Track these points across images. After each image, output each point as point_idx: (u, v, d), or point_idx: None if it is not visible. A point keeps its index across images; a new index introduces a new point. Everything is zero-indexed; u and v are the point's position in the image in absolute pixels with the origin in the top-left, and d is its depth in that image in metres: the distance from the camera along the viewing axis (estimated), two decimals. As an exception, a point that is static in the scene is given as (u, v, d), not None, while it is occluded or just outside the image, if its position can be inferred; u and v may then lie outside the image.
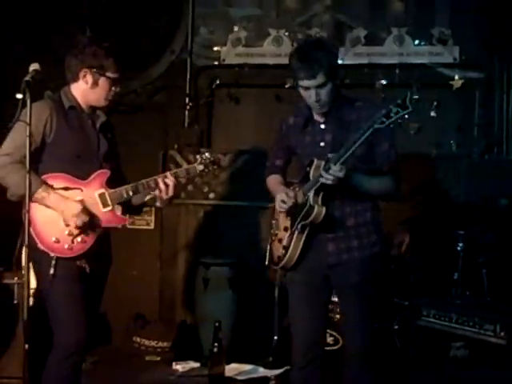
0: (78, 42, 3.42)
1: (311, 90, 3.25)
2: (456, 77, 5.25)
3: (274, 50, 5.52)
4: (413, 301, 4.31)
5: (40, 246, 3.25)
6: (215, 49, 5.67)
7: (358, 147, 3.11)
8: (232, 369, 3.75)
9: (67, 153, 3.34)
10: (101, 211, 3.36)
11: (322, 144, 3.38)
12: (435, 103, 5.23)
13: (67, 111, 3.39)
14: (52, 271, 3.22)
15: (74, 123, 3.38)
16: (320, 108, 3.32)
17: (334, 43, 5.35)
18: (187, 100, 5.62)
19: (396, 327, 4.35)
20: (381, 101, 5.09)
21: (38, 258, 3.25)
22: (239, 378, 4.11)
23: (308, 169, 3.33)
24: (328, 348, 4.31)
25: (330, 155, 3.19)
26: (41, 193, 3.23)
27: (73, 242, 3.29)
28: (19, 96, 3.06)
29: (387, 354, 4.29)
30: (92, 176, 3.36)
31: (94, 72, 3.35)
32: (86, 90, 3.39)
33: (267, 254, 3.54)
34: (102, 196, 3.37)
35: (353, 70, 5.38)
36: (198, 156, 3.53)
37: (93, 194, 3.35)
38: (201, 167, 3.51)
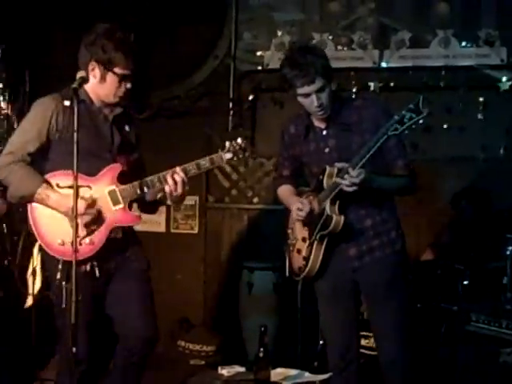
0: (93, 31, 3.18)
1: (312, 96, 3.20)
2: (503, 78, 5.16)
3: (318, 54, 5.50)
4: (462, 306, 4.24)
5: (45, 248, 3.12)
6: (259, 53, 5.67)
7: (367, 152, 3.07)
8: (278, 374, 3.72)
9: (70, 149, 2.90)
10: (111, 209, 3.15)
11: (326, 150, 3.34)
12: (482, 106, 5.16)
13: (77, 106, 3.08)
14: (59, 275, 3.03)
15: (83, 118, 3.04)
16: (323, 113, 3.27)
17: (378, 46, 5.34)
18: (231, 105, 5.64)
19: (443, 333, 4.29)
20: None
21: (47, 261, 3.17)
22: (285, 382, 4.08)
23: (321, 177, 3.30)
24: (371, 353, 4.28)
25: (339, 164, 3.15)
26: (40, 193, 3.08)
27: (80, 244, 3.01)
28: (67, 103, 3.09)
29: (434, 360, 4.24)
30: (102, 172, 3.16)
31: (101, 66, 3.14)
32: (94, 84, 3.20)
33: (286, 265, 3.51)
34: (112, 193, 3.16)
35: (397, 73, 5.34)
36: (227, 143, 3.28)
37: (103, 191, 3.15)
38: (229, 155, 3.24)
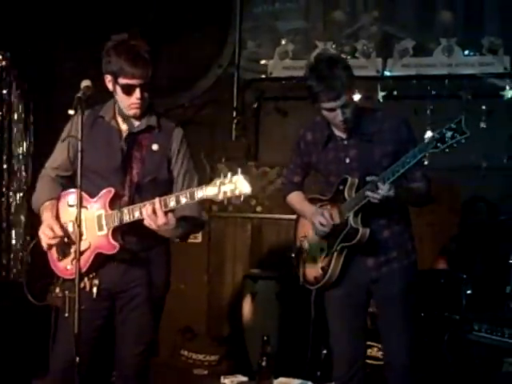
0: (107, 43, 3.12)
1: (337, 111, 3.17)
2: (507, 87, 5.16)
3: (321, 63, 5.50)
4: (464, 315, 4.23)
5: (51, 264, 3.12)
6: (262, 62, 5.70)
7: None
8: (280, 383, 3.72)
9: (85, 168, 2.89)
10: (96, 234, 3.02)
11: (347, 160, 3.32)
12: (485, 114, 5.15)
13: (96, 122, 3.14)
14: (58, 290, 3.04)
15: (99, 135, 3.09)
16: (346, 126, 3.25)
17: (382, 54, 5.34)
18: (234, 113, 5.64)
19: (446, 342, 4.28)
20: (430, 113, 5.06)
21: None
22: (288, 392, 4.08)
23: (341, 187, 3.29)
24: (377, 362, 4.27)
25: (369, 178, 3.13)
26: (40, 210, 3.12)
27: (71, 263, 3.01)
28: (71, 112, 3.08)
29: (437, 370, 4.22)
30: (99, 194, 3.05)
31: (112, 78, 3.05)
32: (116, 97, 3.12)
33: (300, 273, 3.48)
34: (99, 218, 3.03)
35: (401, 82, 5.34)
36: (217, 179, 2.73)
37: (94, 214, 3.04)
38: (213, 191, 2.72)
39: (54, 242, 3.04)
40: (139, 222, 2.94)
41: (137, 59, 3.00)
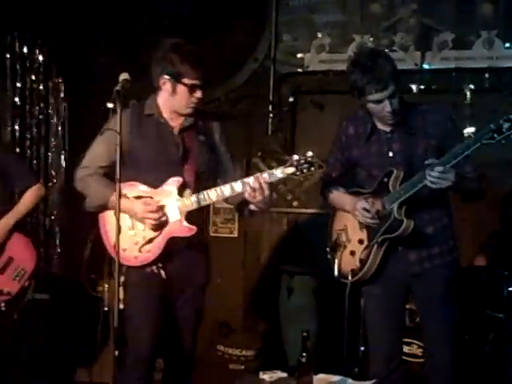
0: (160, 48, 3.35)
1: (385, 102, 3.14)
2: (548, 80, 5.05)
3: (359, 56, 5.44)
4: (509, 313, 4.15)
5: (112, 253, 3.24)
6: (299, 56, 5.64)
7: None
8: (320, 379, 3.67)
9: (141, 161, 3.30)
10: (168, 221, 3.29)
11: (390, 154, 3.30)
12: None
13: (144, 120, 3.36)
14: (123, 279, 3.16)
15: (149, 131, 3.33)
16: (393, 118, 3.21)
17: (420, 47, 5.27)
18: (270, 107, 5.61)
19: (489, 341, 4.20)
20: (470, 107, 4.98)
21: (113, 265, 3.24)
22: (329, 389, 4.04)
23: (385, 179, 3.25)
24: (417, 360, 4.22)
25: (428, 161, 3.07)
26: (112, 201, 3.23)
27: (140, 251, 3.27)
28: (110, 105, 3.11)
29: (479, 369, 4.15)
30: (165, 184, 3.30)
31: (171, 79, 3.28)
32: (167, 98, 3.34)
33: (335, 266, 3.45)
34: (170, 205, 3.28)
35: (440, 75, 5.26)
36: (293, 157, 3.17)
37: (161, 203, 3.29)
38: (291, 170, 3.16)
39: (157, 215, 3.22)
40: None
41: (198, 62, 3.29)
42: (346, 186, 3.56)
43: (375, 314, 3.45)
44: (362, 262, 3.33)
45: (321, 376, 3.62)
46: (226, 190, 3.25)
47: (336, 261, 3.44)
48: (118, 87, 2.96)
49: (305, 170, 3.15)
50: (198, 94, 3.30)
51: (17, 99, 5.55)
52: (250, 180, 3.20)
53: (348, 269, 3.39)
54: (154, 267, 3.29)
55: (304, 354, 3.62)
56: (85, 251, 3.74)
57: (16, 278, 3.84)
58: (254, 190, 3.17)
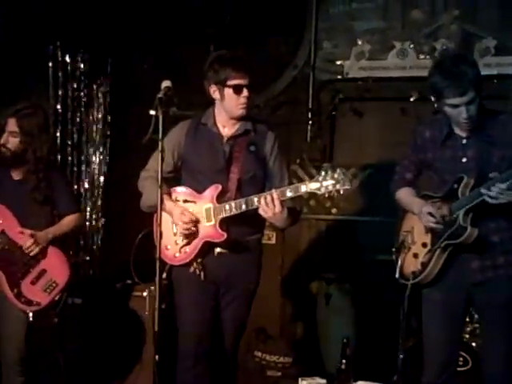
0: (207, 61, 3.53)
1: (461, 108, 3.11)
2: None
3: (399, 63, 5.41)
4: None
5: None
6: (338, 63, 5.63)
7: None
8: (360, 387, 3.69)
9: (192, 167, 3.54)
10: (203, 225, 3.45)
11: (464, 160, 3.26)
12: None
13: (199, 128, 3.56)
14: (164, 276, 3.38)
15: (201, 139, 3.54)
16: (469, 125, 3.18)
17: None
18: (310, 114, 5.60)
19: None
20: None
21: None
22: (368, 396, 4.01)
23: (455, 185, 3.22)
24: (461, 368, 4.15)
25: (492, 174, 3.06)
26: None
27: (180, 251, 3.47)
28: (152, 112, 3.15)
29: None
30: (207, 190, 3.46)
31: (218, 86, 3.46)
32: (219, 105, 3.51)
33: (397, 267, 3.43)
34: (207, 210, 3.45)
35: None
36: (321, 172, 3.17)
37: (202, 207, 3.47)
38: (315, 185, 3.17)
39: (186, 226, 3.40)
40: (238, 217, 3.37)
41: (241, 62, 3.45)
42: (417, 187, 3.56)
43: (433, 320, 3.40)
44: (424, 265, 3.31)
45: (360, 383, 3.61)
46: (243, 203, 3.35)
47: (399, 262, 3.43)
48: (160, 94, 3.05)
49: (330, 187, 3.13)
50: (245, 93, 3.42)
51: (58, 106, 5.63)
52: (263, 195, 3.28)
53: (409, 270, 3.37)
54: (195, 268, 3.46)
55: (343, 361, 3.63)
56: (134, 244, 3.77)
57: (47, 290, 3.87)
58: (266, 205, 3.25)
